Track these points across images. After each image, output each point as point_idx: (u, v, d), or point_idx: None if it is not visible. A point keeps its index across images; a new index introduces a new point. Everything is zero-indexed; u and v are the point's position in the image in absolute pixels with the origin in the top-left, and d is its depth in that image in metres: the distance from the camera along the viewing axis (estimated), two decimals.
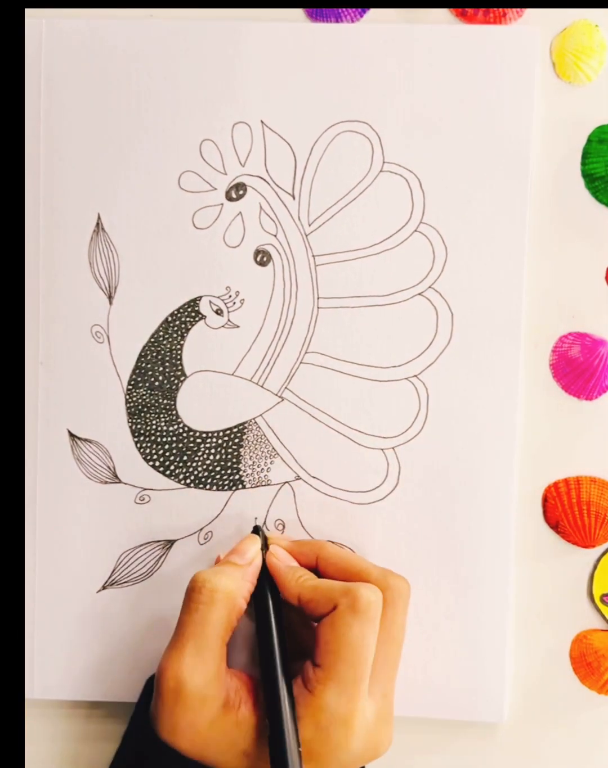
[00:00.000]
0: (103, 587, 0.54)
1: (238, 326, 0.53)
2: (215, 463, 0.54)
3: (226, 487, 0.54)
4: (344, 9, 0.53)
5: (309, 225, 0.53)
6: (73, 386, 0.54)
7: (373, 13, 0.53)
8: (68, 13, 0.53)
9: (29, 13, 0.53)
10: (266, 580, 0.49)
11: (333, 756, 0.46)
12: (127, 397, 0.54)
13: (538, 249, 0.53)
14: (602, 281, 0.54)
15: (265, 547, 0.51)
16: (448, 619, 0.53)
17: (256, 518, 0.53)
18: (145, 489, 0.54)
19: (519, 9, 0.52)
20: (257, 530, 0.52)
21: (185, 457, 0.54)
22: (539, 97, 0.53)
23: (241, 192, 0.53)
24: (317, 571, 0.50)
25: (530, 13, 0.53)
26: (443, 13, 0.53)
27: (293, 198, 0.53)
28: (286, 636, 0.49)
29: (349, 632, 0.46)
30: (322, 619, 0.47)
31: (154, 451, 0.54)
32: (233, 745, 0.47)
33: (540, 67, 0.53)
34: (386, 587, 0.48)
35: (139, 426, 0.54)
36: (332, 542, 0.53)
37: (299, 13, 0.53)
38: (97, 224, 0.53)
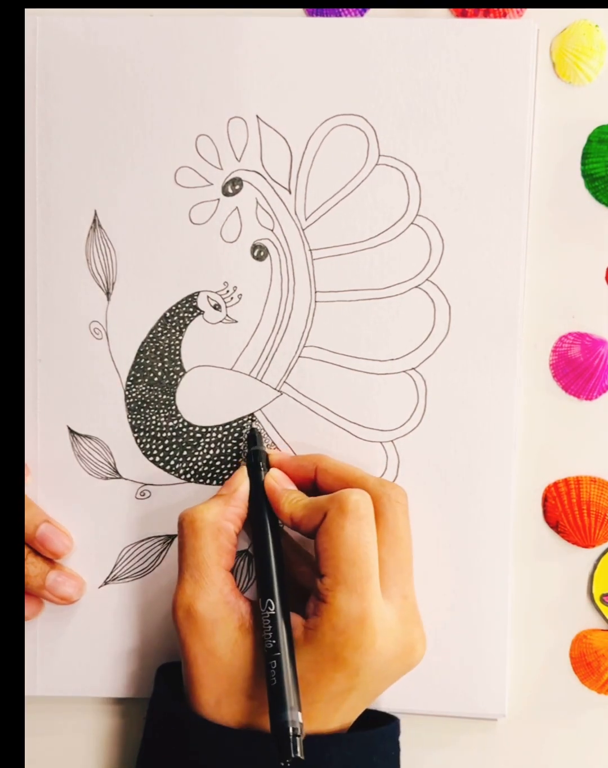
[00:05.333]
0: (105, 583, 0.54)
1: (236, 321, 0.53)
2: (215, 458, 0.54)
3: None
4: (344, 9, 0.53)
5: (306, 219, 0.53)
6: (72, 383, 0.54)
7: (372, 12, 0.53)
8: (62, 10, 0.53)
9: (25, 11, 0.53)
10: (263, 501, 0.50)
11: (362, 659, 0.47)
12: (127, 393, 0.54)
13: (538, 249, 0.53)
14: (602, 281, 0.54)
15: (266, 462, 0.52)
16: (449, 614, 0.53)
17: (252, 422, 0.53)
18: (145, 484, 0.54)
19: (518, 9, 0.52)
20: (252, 435, 0.53)
21: (185, 452, 0.54)
22: (539, 97, 0.53)
23: (237, 187, 0.53)
24: (315, 487, 0.51)
25: (530, 13, 0.53)
26: (443, 14, 0.53)
27: (290, 192, 0.53)
28: (283, 553, 0.50)
29: (342, 533, 0.47)
30: (318, 532, 0.48)
31: (154, 447, 0.54)
32: (261, 666, 0.47)
33: (540, 67, 0.53)
34: (382, 494, 0.49)
35: (139, 422, 0.54)
36: None
37: (298, 12, 0.53)
38: (94, 221, 0.53)
